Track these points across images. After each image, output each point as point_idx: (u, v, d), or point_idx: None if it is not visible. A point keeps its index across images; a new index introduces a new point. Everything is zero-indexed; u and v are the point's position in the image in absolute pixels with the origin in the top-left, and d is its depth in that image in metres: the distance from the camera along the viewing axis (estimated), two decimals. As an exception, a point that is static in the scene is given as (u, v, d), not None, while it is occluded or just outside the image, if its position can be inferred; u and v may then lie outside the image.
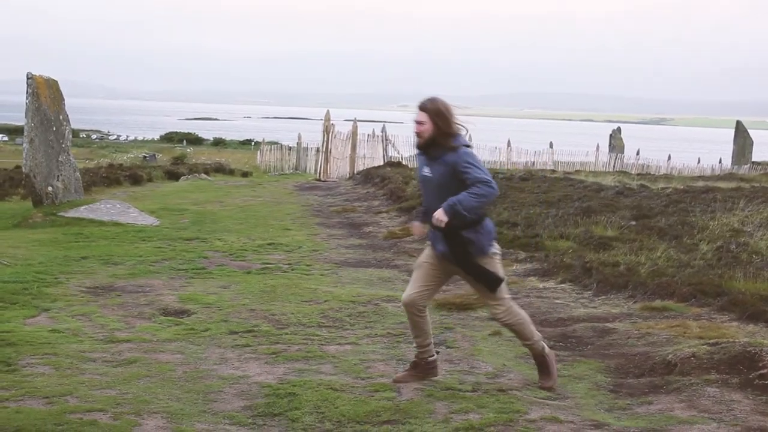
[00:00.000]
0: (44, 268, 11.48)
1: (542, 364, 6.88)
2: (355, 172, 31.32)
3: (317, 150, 38.14)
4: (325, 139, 32.52)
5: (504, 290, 6.69)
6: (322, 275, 11.78)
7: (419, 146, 6.50)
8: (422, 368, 6.83)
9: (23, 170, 18.82)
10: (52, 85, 19.18)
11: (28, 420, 5.67)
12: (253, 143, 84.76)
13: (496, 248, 6.61)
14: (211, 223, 16.96)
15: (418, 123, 6.38)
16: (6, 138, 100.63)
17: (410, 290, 6.71)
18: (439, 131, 6.33)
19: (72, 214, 17.25)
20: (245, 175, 32.38)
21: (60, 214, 17.27)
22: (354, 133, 33.65)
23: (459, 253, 6.48)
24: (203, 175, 29.11)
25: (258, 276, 11.51)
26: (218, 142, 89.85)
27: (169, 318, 9.00)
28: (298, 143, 45.74)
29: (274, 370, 7.19)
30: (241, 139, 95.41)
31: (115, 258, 12.52)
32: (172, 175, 29.57)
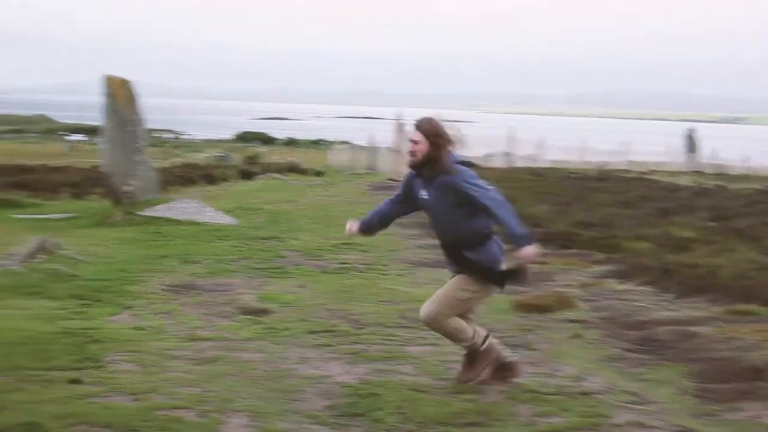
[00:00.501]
0: (125, 267, 11.67)
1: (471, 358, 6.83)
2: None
3: (389, 149, 38.16)
4: (398, 138, 32.53)
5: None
6: (399, 275, 11.80)
7: (413, 166, 6.54)
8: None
9: (102, 170, 19.13)
10: (128, 86, 19.45)
11: (117, 416, 5.76)
12: (323, 143, 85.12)
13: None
14: (287, 223, 17.08)
15: (413, 142, 6.43)
16: (84, 138, 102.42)
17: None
18: (434, 151, 6.37)
19: (149, 213, 17.48)
20: (318, 174, 32.53)
21: (138, 213, 17.51)
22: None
23: (477, 270, 6.59)
24: (277, 175, 29.31)
25: (335, 276, 11.56)
26: (290, 142, 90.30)
27: (249, 317, 9.07)
28: (370, 143, 45.80)
29: (355, 370, 7.21)
30: (313, 139, 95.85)
31: (194, 256, 12.68)
32: (246, 175, 29.82)
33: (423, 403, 6.28)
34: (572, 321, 9.21)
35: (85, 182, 25.46)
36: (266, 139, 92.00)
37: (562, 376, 7.18)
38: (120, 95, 18.85)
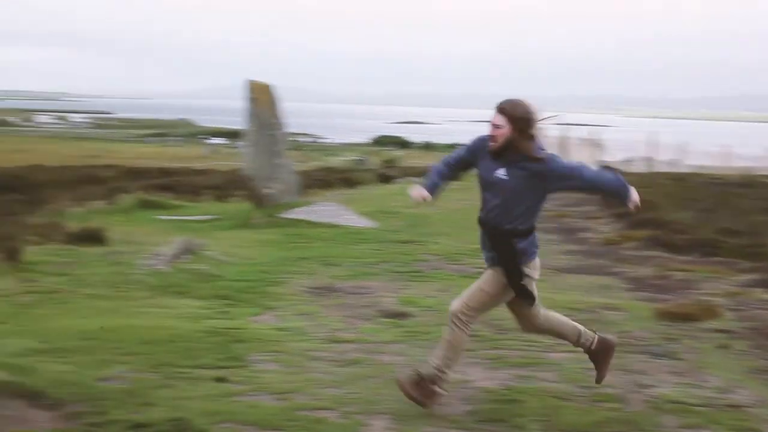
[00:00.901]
0: (267, 268, 11.86)
1: (593, 360, 6.65)
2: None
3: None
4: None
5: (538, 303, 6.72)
6: (539, 281, 11.63)
7: (493, 150, 6.09)
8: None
9: (244, 172, 19.52)
10: (269, 90, 19.80)
11: (261, 415, 5.86)
12: (459, 146, 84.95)
13: (537, 263, 6.53)
14: (425, 226, 17.09)
15: (494, 126, 6.02)
16: (225, 141, 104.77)
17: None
18: (517, 137, 5.97)
19: (290, 215, 17.74)
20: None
21: (279, 215, 17.80)
22: (564, 136, 33.27)
23: (509, 261, 6.35)
24: (415, 179, 29.33)
25: (474, 280, 11.44)
26: (427, 146, 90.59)
27: (389, 320, 9.10)
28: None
29: (496, 375, 7.17)
30: (449, 143, 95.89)
31: (334, 259, 12.80)
32: (384, 178, 30.02)
33: (566, 411, 6.20)
34: (718, 331, 8.93)
35: (226, 185, 26.03)
36: (402, 143, 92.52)
37: (708, 387, 6.97)
38: (262, 100, 19.22)
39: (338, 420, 5.89)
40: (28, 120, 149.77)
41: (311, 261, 12.62)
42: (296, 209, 18.27)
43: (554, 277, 11.99)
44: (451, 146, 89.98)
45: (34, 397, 5.84)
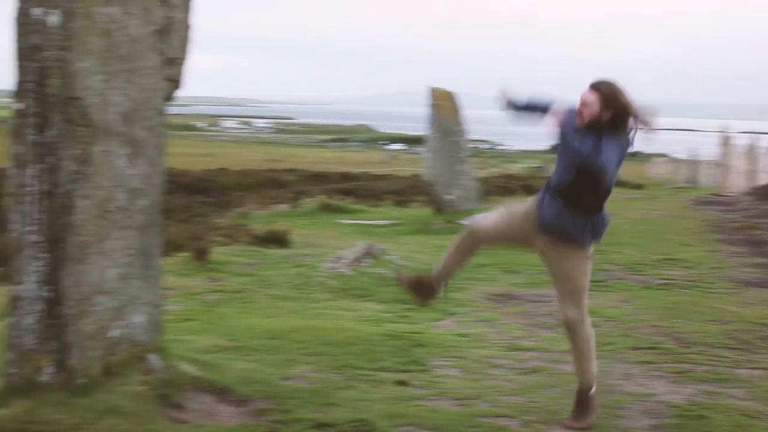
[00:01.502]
0: (448, 273, 11.86)
1: (582, 403, 6.10)
2: (755, 186, 29.78)
3: (713, 163, 36.72)
4: (723, 152, 31.27)
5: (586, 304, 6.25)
6: (726, 294, 11.24)
7: (585, 126, 5.69)
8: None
9: (425, 178, 19.64)
10: (452, 98, 19.89)
11: (442, 420, 5.86)
12: (641, 155, 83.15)
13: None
14: (608, 236, 16.56)
15: (583, 103, 5.69)
16: (403, 147, 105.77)
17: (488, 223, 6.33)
18: (612, 113, 5.67)
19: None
20: (638, 187, 31.80)
21: (459, 221, 17.78)
22: (753, 146, 32.07)
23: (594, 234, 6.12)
24: (595, 187, 28.83)
25: (658, 292, 11.20)
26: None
27: (571, 329, 8.95)
28: (691, 156, 44.31)
29: (682, 390, 6.94)
30: (630, 151, 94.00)
31: (514, 266, 12.69)
32: (564, 186, 29.64)
33: (756, 430, 5.96)
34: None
35: (407, 190, 26.24)
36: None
37: None
38: (445, 106, 19.31)
39: (519, 428, 5.83)
40: (214, 125, 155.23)
41: (491, 268, 12.56)
42: (476, 216, 18.23)
43: (741, 290, 11.54)
44: (633, 154, 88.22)
45: (221, 392, 6.00)
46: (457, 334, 8.52)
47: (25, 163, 5.14)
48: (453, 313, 9.54)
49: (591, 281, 11.46)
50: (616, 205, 23.15)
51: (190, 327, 8.54)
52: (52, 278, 5.18)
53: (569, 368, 7.34)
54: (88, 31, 5.16)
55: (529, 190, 27.46)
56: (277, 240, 14.72)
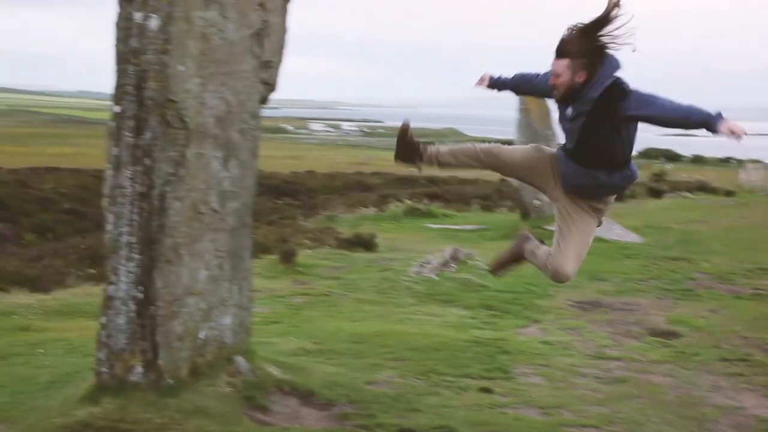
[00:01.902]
0: (534, 280, 11.77)
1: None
2: None
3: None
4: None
5: None
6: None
7: (564, 96, 5.34)
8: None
9: (512, 183, 19.55)
10: (542, 102, 19.75)
11: (526, 428, 5.84)
12: (733, 161, 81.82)
13: None
14: (697, 244, 16.48)
15: (554, 74, 5.29)
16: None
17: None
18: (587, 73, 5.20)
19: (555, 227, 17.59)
20: (729, 194, 31.15)
21: (545, 227, 17.67)
22: None
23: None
24: (685, 193, 28.47)
25: (749, 302, 10.97)
26: (697, 159, 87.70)
27: (658, 339, 8.84)
28: (787, 162, 43.29)
29: (772, 404, 6.81)
30: (721, 157, 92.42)
31: (601, 274, 12.56)
32: (654, 193, 29.21)
33: None
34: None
35: (494, 195, 26.15)
36: (672, 156, 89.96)
37: None
38: (534, 110, 19.21)
39: (604, 439, 5.78)
40: (302, 128, 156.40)
41: (578, 275, 12.34)
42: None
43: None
44: (724, 160, 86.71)
45: (306, 396, 6.06)
46: (542, 342, 8.47)
47: (122, 165, 5.26)
48: (538, 321, 9.50)
49: (678, 290, 11.43)
50: (705, 212, 22.87)
51: (276, 329, 8.64)
52: (144, 279, 5.29)
53: (656, 379, 7.31)
54: (186, 35, 5.27)
55: (617, 196, 27.12)
56: (364, 243, 14.80)
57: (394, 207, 22.37)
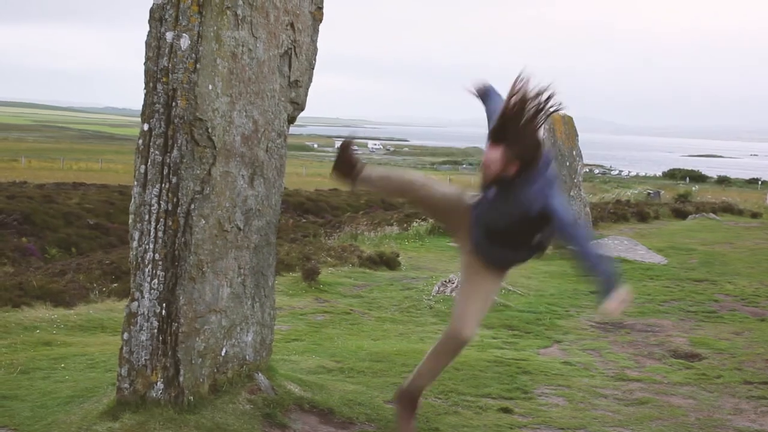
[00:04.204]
0: (555, 300, 11.80)
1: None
2: None
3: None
4: None
5: None
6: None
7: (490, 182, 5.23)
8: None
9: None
10: (568, 122, 19.76)
11: (545, 450, 5.82)
12: (760, 182, 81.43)
13: None
14: (721, 265, 16.41)
15: (486, 162, 5.09)
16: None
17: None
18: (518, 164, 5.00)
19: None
20: (755, 216, 31.01)
21: (569, 247, 17.66)
22: None
23: None
24: (711, 215, 28.31)
25: (772, 324, 10.92)
26: (722, 180, 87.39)
27: (680, 360, 8.81)
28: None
29: (795, 427, 6.77)
30: (747, 178, 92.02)
31: (624, 295, 12.54)
32: (678, 213, 29.12)
33: None
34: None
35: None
36: (697, 177, 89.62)
37: None
38: (560, 131, 19.22)
39: (624, 461, 5.76)
40: (328, 146, 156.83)
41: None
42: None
43: None
44: (750, 182, 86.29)
45: (325, 414, 6.07)
46: (563, 362, 8.46)
47: (149, 183, 5.30)
48: (559, 341, 9.49)
49: (701, 312, 11.39)
50: (729, 234, 22.77)
51: (296, 347, 8.67)
52: (167, 296, 5.32)
53: (678, 401, 7.27)
54: (216, 54, 5.31)
55: (641, 216, 27.06)
56: (386, 262, 14.83)
57: (418, 225, 22.37)
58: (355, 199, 38.98)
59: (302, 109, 6.43)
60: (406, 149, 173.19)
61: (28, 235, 25.16)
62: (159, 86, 5.26)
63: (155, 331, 5.35)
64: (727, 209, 32.22)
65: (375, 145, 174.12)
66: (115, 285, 14.27)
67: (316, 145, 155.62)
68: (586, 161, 21.68)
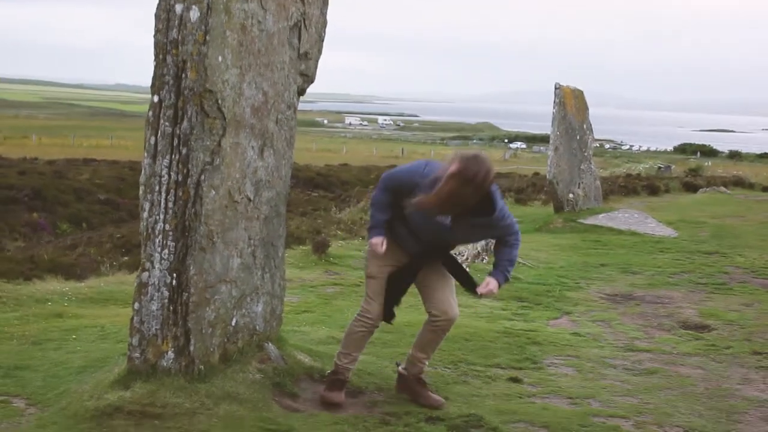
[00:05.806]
0: (565, 273, 11.81)
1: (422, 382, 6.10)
2: None
3: None
4: None
5: None
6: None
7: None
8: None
9: (547, 176, 19.53)
10: (578, 96, 19.70)
11: (555, 417, 5.84)
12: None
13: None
14: (732, 238, 16.39)
15: None
16: (524, 146, 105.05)
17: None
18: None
19: (590, 221, 17.58)
20: (766, 189, 30.88)
21: (579, 220, 17.68)
22: None
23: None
24: (722, 188, 28.23)
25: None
26: (734, 155, 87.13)
27: (689, 332, 8.83)
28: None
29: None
30: (759, 152, 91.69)
31: (633, 267, 12.56)
32: (689, 187, 29.05)
33: None
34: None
35: (528, 188, 26.09)
36: (708, 152, 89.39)
37: None
38: (571, 105, 19.16)
39: (632, 429, 5.78)
40: (338, 121, 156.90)
41: (610, 268, 12.45)
42: (597, 215, 18.11)
43: None
44: (762, 156, 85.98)
45: (336, 383, 6.09)
46: (573, 333, 8.48)
47: (159, 154, 5.31)
48: (569, 312, 9.51)
49: (711, 283, 11.40)
50: (740, 207, 22.70)
51: (306, 318, 8.71)
52: (178, 266, 5.34)
53: (686, 371, 7.29)
54: (225, 26, 5.31)
55: (652, 189, 27.01)
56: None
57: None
58: (365, 174, 39.00)
59: (312, 81, 6.42)
60: (416, 125, 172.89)
61: (39, 211, 25.29)
62: (169, 58, 5.27)
63: (166, 301, 5.38)
64: (738, 183, 32.14)
65: (385, 120, 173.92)
66: (126, 258, 14.35)
67: (325, 121, 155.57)
68: (597, 136, 21.58)
